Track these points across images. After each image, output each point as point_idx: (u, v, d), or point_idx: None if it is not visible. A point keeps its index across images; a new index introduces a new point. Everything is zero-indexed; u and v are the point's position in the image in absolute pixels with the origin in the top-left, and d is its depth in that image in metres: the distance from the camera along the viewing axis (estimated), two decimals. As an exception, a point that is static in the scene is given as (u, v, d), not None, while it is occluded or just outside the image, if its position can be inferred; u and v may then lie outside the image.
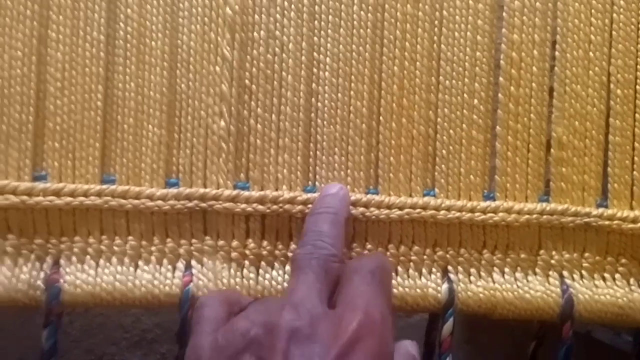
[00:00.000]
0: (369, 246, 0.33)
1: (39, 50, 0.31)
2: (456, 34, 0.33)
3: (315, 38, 0.33)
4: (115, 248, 0.32)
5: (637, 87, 0.34)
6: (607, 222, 0.34)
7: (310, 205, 0.32)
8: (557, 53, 0.34)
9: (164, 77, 0.32)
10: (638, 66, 0.34)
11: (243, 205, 0.32)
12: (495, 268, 0.34)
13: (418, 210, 0.33)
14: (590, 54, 0.34)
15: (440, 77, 0.33)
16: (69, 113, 0.32)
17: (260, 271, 0.32)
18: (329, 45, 0.33)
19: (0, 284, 0.30)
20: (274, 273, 0.32)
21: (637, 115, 0.34)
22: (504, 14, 0.34)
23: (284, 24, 0.33)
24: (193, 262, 0.32)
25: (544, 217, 0.33)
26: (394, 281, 0.33)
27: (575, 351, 0.33)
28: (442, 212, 0.33)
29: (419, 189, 0.33)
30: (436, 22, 0.33)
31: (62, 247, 0.31)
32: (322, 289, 0.27)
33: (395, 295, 0.32)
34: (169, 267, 0.32)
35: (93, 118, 0.32)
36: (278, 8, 0.33)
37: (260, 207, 0.32)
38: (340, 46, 0.33)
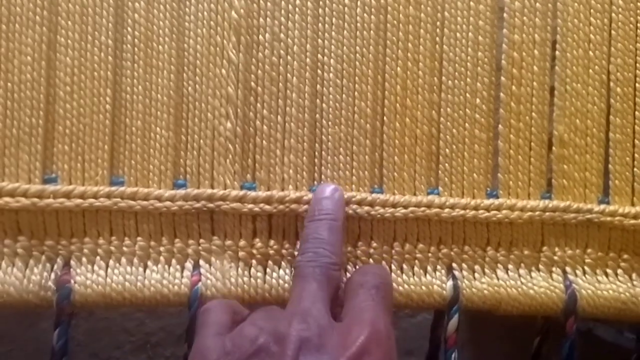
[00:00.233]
0: (374, 244, 0.33)
1: (49, 55, 0.32)
2: (458, 34, 0.34)
3: (320, 40, 0.34)
4: (125, 249, 0.32)
5: (637, 85, 0.35)
6: (608, 219, 0.34)
7: (316, 205, 0.33)
8: (557, 52, 0.34)
9: (171, 80, 0.33)
10: (637, 64, 0.35)
11: (250, 206, 0.33)
12: (499, 265, 0.34)
13: (422, 208, 0.33)
14: (590, 53, 0.35)
15: (443, 78, 0.34)
16: (78, 116, 0.32)
17: (268, 270, 0.33)
18: (332, 47, 0.34)
19: (11, 285, 0.31)
20: (281, 272, 0.33)
21: (637, 112, 0.35)
22: (505, 14, 0.34)
23: (289, 26, 0.33)
24: (201, 262, 0.33)
25: (547, 214, 0.34)
26: (399, 279, 0.33)
27: (577, 348, 0.33)
28: (446, 210, 0.33)
29: (423, 188, 0.34)
30: (438, 23, 0.34)
31: (72, 248, 0.32)
32: (325, 298, 0.27)
33: (401, 293, 0.33)
34: (178, 267, 0.32)
35: (102, 121, 0.32)
36: (282, 11, 0.33)
37: (267, 207, 0.33)
38: (344, 48, 0.34)
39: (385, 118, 0.34)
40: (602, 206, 0.34)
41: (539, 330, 0.36)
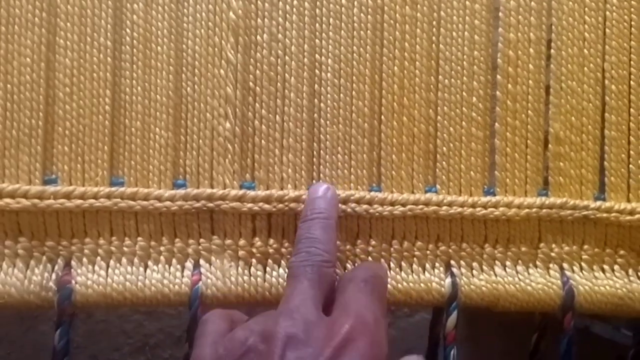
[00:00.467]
0: (373, 242, 0.34)
1: (48, 57, 0.32)
2: (454, 34, 0.34)
3: (317, 40, 0.34)
4: (125, 249, 0.32)
5: (632, 82, 0.35)
6: (605, 215, 0.35)
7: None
8: (552, 51, 0.35)
9: (170, 81, 0.33)
10: (632, 62, 0.35)
11: (249, 205, 0.33)
12: (497, 262, 0.34)
13: (420, 206, 0.34)
14: (585, 51, 0.35)
15: (440, 76, 0.34)
16: (78, 117, 0.32)
17: (267, 269, 0.33)
18: (330, 47, 0.34)
19: (12, 286, 0.31)
20: (281, 271, 0.33)
21: (631, 110, 0.35)
22: (500, 13, 0.34)
23: (287, 27, 0.34)
24: (201, 262, 0.33)
25: (544, 211, 0.34)
26: (398, 276, 0.33)
27: (575, 345, 0.34)
28: (444, 207, 0.34)
29: (421, 186, 0.34)
30: (434, 22, 0.34)
31: (73, 248, 0.32)
32: (316, 295, 0.28)
33: (400, 290, 0.33)
34: (178, 266, 0.33)
35: (101, 122, 0.32)
36: (280, 12, 0.33)
37: (266, 206, 0.33)
38: (342, 48, 0.34)
39: (382, 117, 0.34)
40: (598, 203, 0.35)
41: (537, 327, 0.36)
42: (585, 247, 0.35)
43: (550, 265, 0.35)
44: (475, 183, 0.34)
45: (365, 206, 0.33)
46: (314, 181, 0.34)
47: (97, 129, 0.32)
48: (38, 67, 0.32)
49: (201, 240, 0.33)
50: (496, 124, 0.34)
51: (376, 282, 0.29)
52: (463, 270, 0.34)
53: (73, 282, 0.31)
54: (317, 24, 0.34)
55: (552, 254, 0.35)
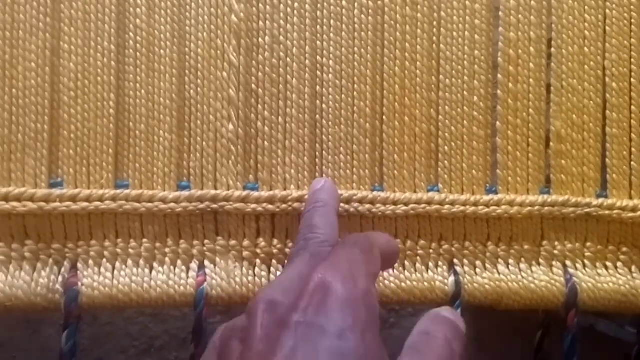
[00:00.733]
0: (376, 242, 0.34)
1: (53, 62, 0.32)
2: (454, 33, 0.34)
3: (318, 42, 0.34)
4: (131, 250, 0.33)
5: (632, 80, 0.35)
6: (607, 212, 0.35)
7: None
8: (553, 49, 0.35)
9: (173, 84, 0.33)
10: (632, 60, 0.35)
11: (253, 206, 0.33)
12: (500, 260, 0.35)
13: (423, 205, 0.34)
14: (585, 49, 0.35)
15: (441, 76, 0.34)
16: (83, 121, 0.33)
17: (272, 269, 0.33)
18: (331, 48, 0.34)
19: (20, 288, 0.31)
20: (285, 271, 0.33)
21: (632, 107, 0.35)
22: (501, 13, 0.35)
23: (288, 29, 0.34)
24: (206, 262, 0.33)
25: (546, 208, 0.34)
26: (402, 275, 0.33)
27: (579, 344, 0.34)
28: (447, 206, 0.34)
29: (423, 185, 0.34)
30: (435, 23, 0.35)
31: (79, 251, 0.32)
32: (305, 270, 0.26)
33: (404, 289, 0.33)
34: (183, 267, 0.33)
35: (106, 125, 0.33)
36: (282, 14, 0.34)
37: (269, 206, 0.33)
38: (343, 49, 0.34)
39: (384, 117, 0.34)
40: (601, 200, 0.35)
41: (541, 324, 0.36)
42: (588, 244, 0.35)
43: (553, 262, 0.35)
44: (477, 182, 0.35)
45: (368, 206, 0.34)
46: (317, 182, 0.34)
47: (101, 132, 0.33)
48: (43, 71, 0.32)
49: (206, 241, 0.33)
50: (497, 122, 0.35)
51: (366, 243, 0.28)
52: (466, 268, 0.34)
53: (79, 284, 0.31)
54: (318, 26, 0.34)
55: (555, 252, 0.35)
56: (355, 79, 0.34)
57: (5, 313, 0.31)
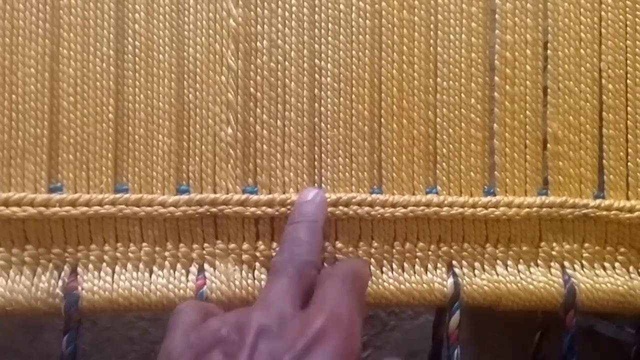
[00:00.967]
0: (375, 244, 0.34)
1: (52, 67, 0.33)
2: (451, 36, 0.35)
3: (316, 45, 0.34)
4: (130, 254, 0.33)
5: (628, 81, 0.35)
6: (604, 213, 0.35)
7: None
8: (549, 52, 0.35)
9: (172, 88, 0.33)
10: (628, 61, 0.35)
11: (252, 209, 0.33)
12: (498, 261, 0.35)
13: (421, 207, 0.34)
14: (582, 51, 0.35)
15: (438, 79, 0.35)
16: (82, 126, 0.33)
17: (271, 272, 0.33)
18: (329, 52, 0.34)
19: (20, 293, 0.31)
20: (285, 274, 0.33)
21: (629, 108, 0.35)
22: (497, 16, 0.35)
23: (286, 33, 0.34)
24: (206, 266, 0.33)
25: (544, 210, 0.34)
26: (401, 277, 0.34)
27: (579, 345, 0.34)
28: (445, 208, 0.34)
29: (422, 187, 0.35)
30: (432, 26, 0.35)
31: (79, 255, 0.32)
32: (295, 293, 0.27)
33: (403, 291, 0.33)
34: (183, 271, 0.33)
35: (105, 130, 0.33)
36: (279, 18, 0.34)
37: (269, 210, 0.33)
38: (341, 52, 0.34)
39: (382, 120, 0.34)
40: (598, 201, 0.35)
41: (539, 326, 0.36)
42: (586, 245, 0.35)
43: (552, 263, 0.35)
44: (475, 184, 0.35)
45: (367, 208, 0.34)
46: (315, 184, 0.34)
47: (101, 137, 0.33)
48: (42, 77, 0.32)
49: (205, 244, 0.33)
50: (495, 124, 0.35)
51: (356, 278, 0.29)
52: (465, 270, 0.34)
53: (79, 288, 0.32)
54: (316, 30, 0.34)
55: (553, 253, 0.35)
56: (354, 82, 0.34)
57: (6, 317, 0.31)
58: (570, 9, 0.35)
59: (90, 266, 0.32)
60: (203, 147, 0.33)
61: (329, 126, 0.34)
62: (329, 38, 0.34)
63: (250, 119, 0.34)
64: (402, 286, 0.33)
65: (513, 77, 0.35)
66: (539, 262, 0.35)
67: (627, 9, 0.35)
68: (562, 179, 0.35)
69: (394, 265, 0.34)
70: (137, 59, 0.33)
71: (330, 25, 0.34)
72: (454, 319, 0.33)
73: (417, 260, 0.34)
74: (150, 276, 0.33)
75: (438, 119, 0.35)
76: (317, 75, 0.34)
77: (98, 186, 0.33)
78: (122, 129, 0.33)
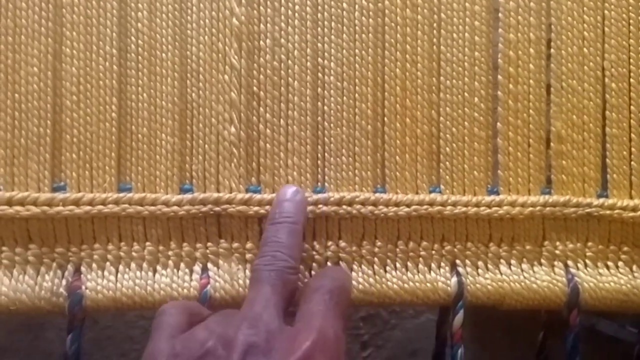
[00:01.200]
0: (378, 243, 0.34)
1: (54, 66, 0.32)
2: (455, 35, 0.35)
3: (319, 44, 0.34)
4: (134, 254, 0.33)
5: (631, 80, 0.35)
6: (608, 212, 0.35)
7: (320, 206, 0.33)
8: (552, 50, 0.35)
9: (175, 87, 0.33)
10: (631, 60, 0.35)
11: (255, 208, 0.33)
12: (502, 260, 0.35)
13: (425, 206, 0.34)
14: (585, 50, 0.35)
15: (441, 78, 0.35)
16: (85, 125, 0.33)
17: (275, 271, 0.33)
18: (332, 50, 0.34)
19: (23, 292, 0.31)
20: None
21: (632, 107, 0.35)
22: (500, 14, 0.35)
23: (289, 32, 0.34)
24: (209, 265, 0.33)
25: (547, 209, 0.34)
26: (404, 276, 0.34)
27: (580, 344, 0.34)
28: (448, 207, 0.34)
29: (425, 186, 0.35)
30: (435, 25, 0.35)
31: (82, 254, 0.32)
32: (278, 301, 0.28)
33: (407, 290, 0.33)
34: (186, 270, 0.33)
35: (108, 129, 0.33)
36: (282, 17, 0.34)
37: (272, 209, 0.33)
38: (344, 51, 0.34)
39: (385, 119, 0.34)
40: (601, 200, 0.35)
41: (543, 324, 0.36)
42: (589, 244, 0.35)
43: (555, 262, 0.35)
44: (478, 182, 0.35)
45: (370, 207, 0.34)
46: (318, 183, 0.34)
47: (104, 136, 0.33)
48: (45, 76, 0.32)
49: (209, 244, 0.33)
50: (498, 123, 0.35)
51: (341, 294, 0.29)
52: (468, 269, 0.34)
53: (83, 287, 0.32)
54: (319, 28, 0.34)
55: (557, 252, 0.35)
56: (357, 80, 0.34)
57: (8, 316, 0.31)
58: (574, 8, 0.35)
59: (94, 265, 0.32)
60: (206, 146, 0.33)
61: (332, 125, 0.34)
62: (332, 37, 0.34)
63: (254, 118, 0.34)
64: (406, 285, 0.33)
65: (516, 75, 0.35)
66: (542, 261, 0.35)
67: (630, 8, 0.35)
68: (566, 178, 0.35)
69: (398, 265, 0.34)
70: (139, 57, 0.33)
71: (333, 23, 0.34)
72: (457, 318, 0.33)
73: (420, 259, 0.34)
74: (154, 275, 0.33)
75: (441, 118, 0.35)
76: (320, 74, 0.34)
77: (101, 185, 0.33)
78: (125, 128, 0.33)
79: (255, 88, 0.34)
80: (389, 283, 0.33)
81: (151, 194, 0.33)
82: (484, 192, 0.35)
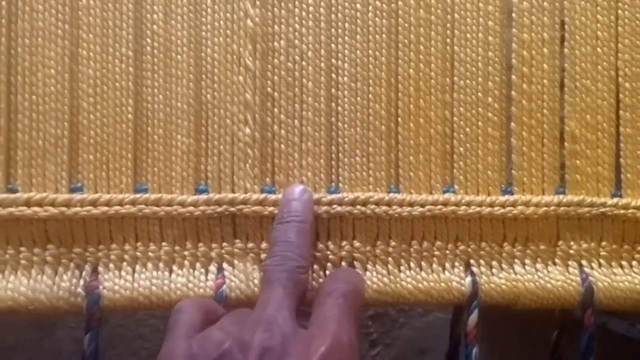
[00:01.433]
0: (393, 243, 0.34)
1: (71, 68, 0.33)
2: (468, 35, 0.35)
3: (333, 45, 0.34)
4: (150, 254, 0.33)
5: (645, 79, 0.35)
6: (622, 211, 0.35)
7: (334, 206, 0.34)
8: (566, 50, 0.35)
9: (190, 88, 0.33)
10: (645, 60, 0.35)
11: (270, 208, 0.33)
12: (516, 260, 0.35)
13: (439, 206, 0.34)
14: (598, 49, 0.35)
15: (455, 78, 0.35)
16: (102, 126, 0.33)
17: (290, 271, 0.33)
18: (346, 51, 0.34)
19: (42, 292, 0.31)
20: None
21: (646, 106, 0.35)
22: (514, 14, 0.35)
23: (303, 33, 0.34)
24: (225, 265, 0.33)
25: (561, 208, 0.35)
26: (418, 276, 0.34)
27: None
28: (462, 207, 0.34)
29: (439, 186, 0.35)
30: (448, 25, 0.35)
31: (99, 254, 0.33)
32: (291, 303, 0.28)
33: (421, 290, 0.33)
34: (202, 270, 0.33)
35: (125, 130, 0.33)
36: (297, 18, 0.34)
37: (287, 209, 0.33)
38: (358, 52, 0.34)
39: (399, 119, 0.34)
40: (615, 199, 0.35)
41: (557, 324, 0.36)
42: (603, 243, 0.35)
43: (569, 262, 0.35)
44: (492, 182, 0.35)
45: (384, 207, 0.34)
46: (332, 184, 0.34)
47: (120, 138, 0.33)
48: (62, 78, 0.33)
49: (224, 244, 0.34)
50: (512, 123, 0.35)
51: (355, 297, 0.29)
52: (483, 269, 0.34)
53: (101, 287, 0.32)
54: (332, 29, 0.34)
55: (571, 251, 0.35)
56: (370, 81, 0.34)
57: (26, 316, 0.32)
58: (587, 7, 0.35)
59: (111, 265, 0.33)
60: (221, 146, 0.34)
61: (346, 125, 0.34)
62: (346, 37, 0.34)
63: (268, 119, 0.34)
64: (420, 285, 0.33)
65: (530, 75, 0.35)
66: (556, 260, 0.35)
67: (644, 7, 0.35)
68: (580, 177, 0.35)
69: (412, 264, 0.34)
70: (155, 59, 0.33)
71: (347, 24, 0.34)
72: (472, 318, 0.33)
73: (434, 259, 0.34)
74: (170, 275, 0.33)
75: (455, 118, 0.35)
76: (334, 75, 0.34)
77: (118, 186, 0.33)
78: (141, 129, 0.33)
79: (269, 89, 0.34)
80: (403, 283, 0.33)
81: (167, 195, 0.33)
82: (497, 192, 0.35)
